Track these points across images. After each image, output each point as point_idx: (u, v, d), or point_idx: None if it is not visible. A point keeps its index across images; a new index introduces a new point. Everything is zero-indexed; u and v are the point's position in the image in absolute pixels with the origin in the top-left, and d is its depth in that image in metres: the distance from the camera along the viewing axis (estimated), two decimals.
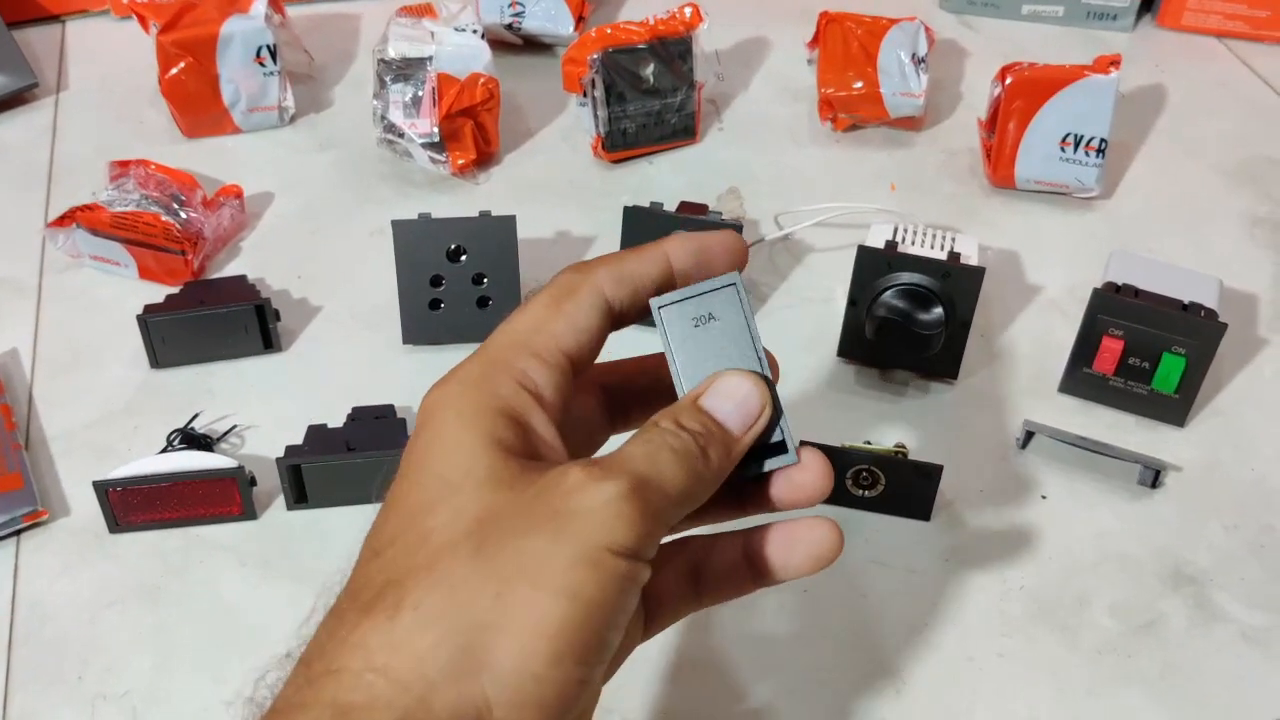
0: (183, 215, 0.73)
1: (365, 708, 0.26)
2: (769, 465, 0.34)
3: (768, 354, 0.34)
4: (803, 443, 0.34)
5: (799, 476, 0.34)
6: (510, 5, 0.92)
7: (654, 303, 0.34)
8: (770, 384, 0.34)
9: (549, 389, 0.32)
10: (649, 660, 0.53)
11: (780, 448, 0.34)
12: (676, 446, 0.31)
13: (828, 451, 0.57)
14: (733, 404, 0.33)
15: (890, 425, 0.64)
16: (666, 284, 0.34)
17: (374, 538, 0.30)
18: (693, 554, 0.36)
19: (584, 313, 0.33)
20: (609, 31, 0.80)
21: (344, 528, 0.58)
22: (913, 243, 0.65)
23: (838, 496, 0.59)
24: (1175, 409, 0.64)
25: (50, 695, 0.51)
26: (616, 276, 0.33)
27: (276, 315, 0.67)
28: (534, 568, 0.27)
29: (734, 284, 0.34)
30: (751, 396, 0.33)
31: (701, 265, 0.34)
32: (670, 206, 0.71)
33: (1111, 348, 0.63)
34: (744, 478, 0.34)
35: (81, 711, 0.51)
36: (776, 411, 0.34)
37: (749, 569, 0.35)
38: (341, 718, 0.26)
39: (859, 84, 0.84)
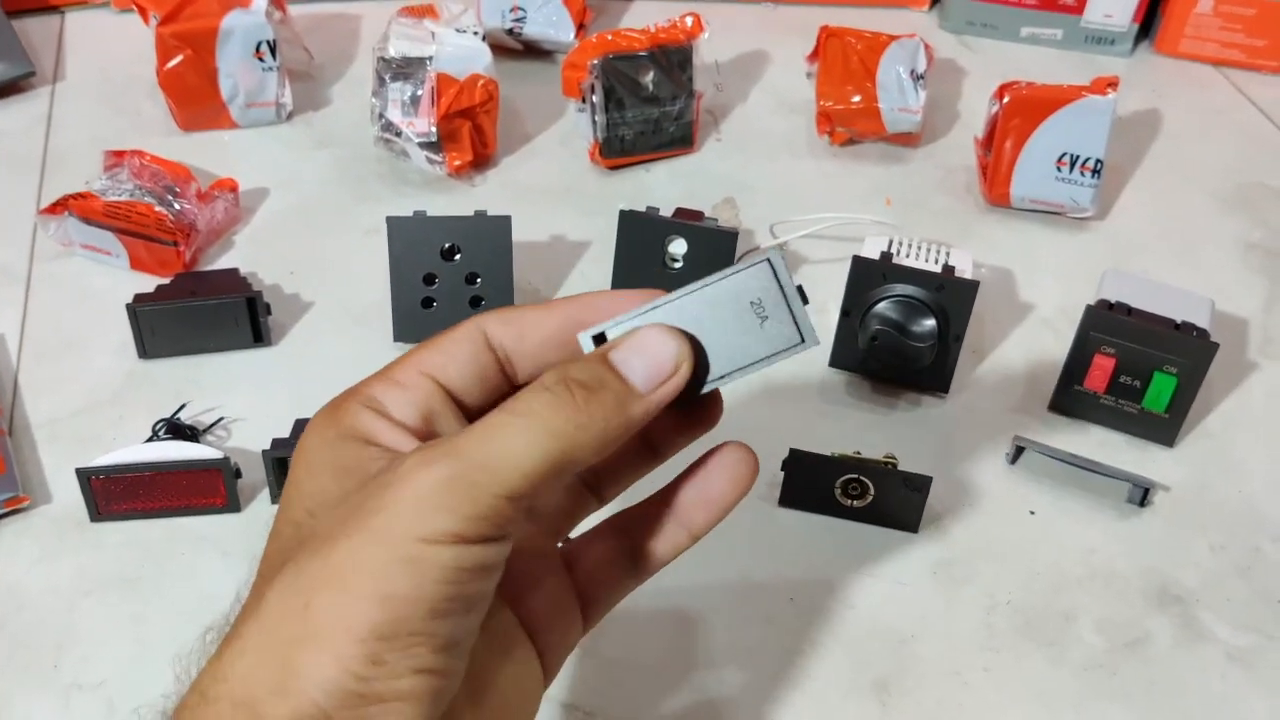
0: (176, 206, 0.72)
1: None
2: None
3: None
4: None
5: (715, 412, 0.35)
6: (511, 10, 0.92)
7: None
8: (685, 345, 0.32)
9: (399, 405, 0.32)
10: (633, 666, 0.52)
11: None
12: (543, 412, 0.30)
13: (817, 460, 0.57)
14: (642, 359, 0.31)
15: (880, 436, 0.64)
16: (567, 330, 0.34)
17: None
18: (619, 527, 0.37)
19: (456, 344, 0.34)
20: (610, 38, 0.80)
21: None
22: (907, 255, 0.65)
23: (826, 505, 0.59)
24: (1165, 428, 0.64)
25: (25, 682, 0.51)
26: (505, 318, 0.34)
27: (267, 309, 0.67)
28: (341, 573, 0.28)
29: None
30: (665, 350, 0.32)
31: (565, 346, 0.34)
32: (666, 214, 0.71)
33: (1103, 365, 0.63)
34: (698, 395, 0.33)
35: (56, 700, 0.50)
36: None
37: (675, 520, 0.36)
38: None
39: (857, 98, 0.85)
